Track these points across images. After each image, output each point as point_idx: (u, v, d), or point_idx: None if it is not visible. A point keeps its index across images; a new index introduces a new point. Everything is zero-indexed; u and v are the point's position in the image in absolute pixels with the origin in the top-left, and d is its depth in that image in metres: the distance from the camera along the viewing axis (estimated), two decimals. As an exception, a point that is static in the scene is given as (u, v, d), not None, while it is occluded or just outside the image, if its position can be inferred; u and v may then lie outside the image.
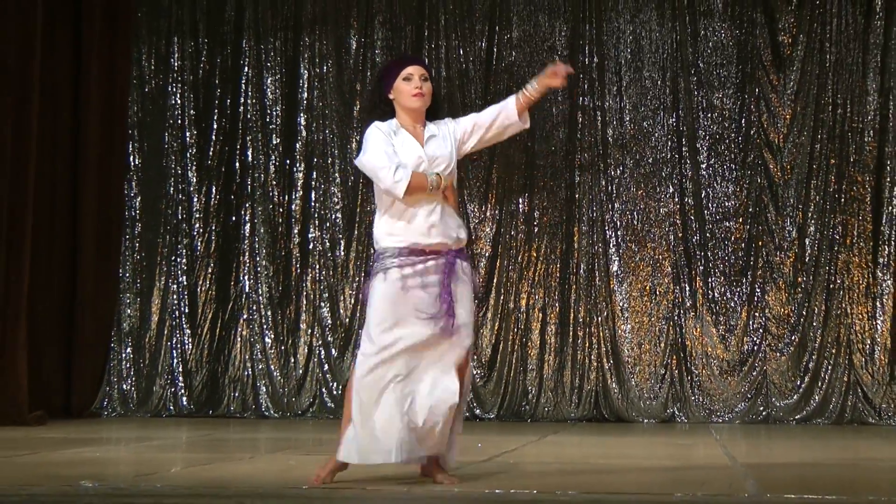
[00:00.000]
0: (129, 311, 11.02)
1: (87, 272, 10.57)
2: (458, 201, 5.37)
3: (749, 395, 10.49)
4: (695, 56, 10.78)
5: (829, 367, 10.41)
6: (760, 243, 10.65)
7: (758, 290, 10.60)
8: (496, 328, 10.77)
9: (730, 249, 10.67)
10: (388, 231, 5.18)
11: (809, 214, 10.63)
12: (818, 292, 10.53)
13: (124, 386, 10.92)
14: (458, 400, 5.11)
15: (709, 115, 10.76)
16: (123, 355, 10.96)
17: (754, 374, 10.52)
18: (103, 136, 10.71)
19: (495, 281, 10.82)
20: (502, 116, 5.33)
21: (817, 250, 10.58)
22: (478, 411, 10.62)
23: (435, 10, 11.05)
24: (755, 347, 10.56)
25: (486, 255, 10.87)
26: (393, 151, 5.15)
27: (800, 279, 10.58)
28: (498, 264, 10.84)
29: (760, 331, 10.57)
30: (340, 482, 5.12)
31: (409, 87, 5.23)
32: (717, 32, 10.80)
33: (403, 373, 5.07)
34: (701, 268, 10.65)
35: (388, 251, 5.15)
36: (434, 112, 5.36)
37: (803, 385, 10.45)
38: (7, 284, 9.42)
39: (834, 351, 10.43)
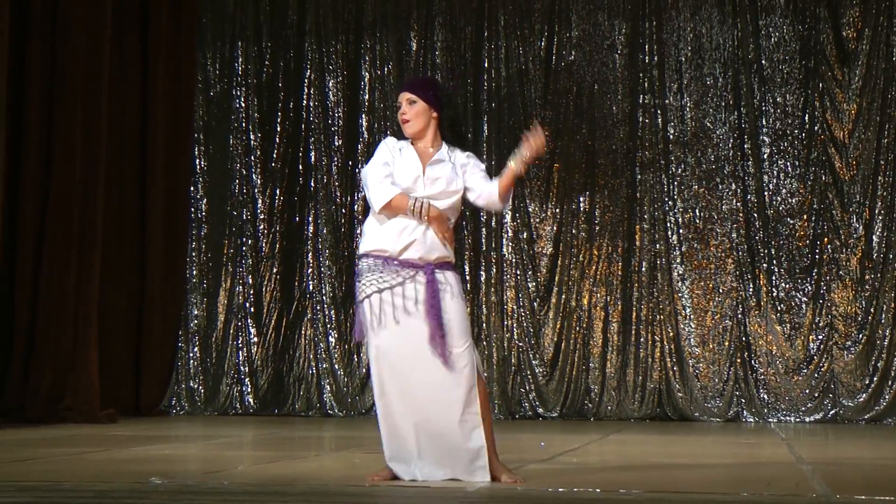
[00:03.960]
0: (196, 310, 11.15)
1: (155, 273, 10.70)
2: (451, 236, 5.25)
3: (816, 395, 10.40)
4: (756, 53, 10.72)
5: (899, 366, 10.31)
6: (826, 241, 10.56)
7: (823, 288, 10.51)
8: (558, 327, 10.77)
9: (794, 247, 10.59)
10: (369, 236, 5.24)
11: (876, 211, 10.53)
12: (886, 290, 10.42)
13: (192, 384, 11.05)
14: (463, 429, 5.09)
15: (771, 111, 10.69)
16: (191, 354, 11.09)
17: (821, 372, 10.43)
18: (170, 140, 10.84)
19: (557, 279, 10.82)
20: (487, 195, 5.24)
21: (885, 247, 10.48)
22: (540, 410, 10.63)
23: (494, 11, 11.08)
24: (821, 346, 10.47)
25: (548, 253, 10.88)
26: (390, 165, 5.20)
27: (867, 276, 10.48)
28: (559, 263, 10.85)
29: (827, 329, 10.48)
30: (401, 481, 5.16)
31: (399, 114, 5.33)
32: (779, 28, 10.73)
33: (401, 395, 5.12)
34: (765, 266, 10.59)
35: (367, 260, 5.19)
36: (453, 132, 5.32)
37: (872, 384, 10.35)
38: (78, 285, 9.56)
39: (903, 349, 10.33)
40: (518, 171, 5.15)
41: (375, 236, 5.21)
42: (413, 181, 5.19)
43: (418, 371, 5.11)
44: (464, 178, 5.27)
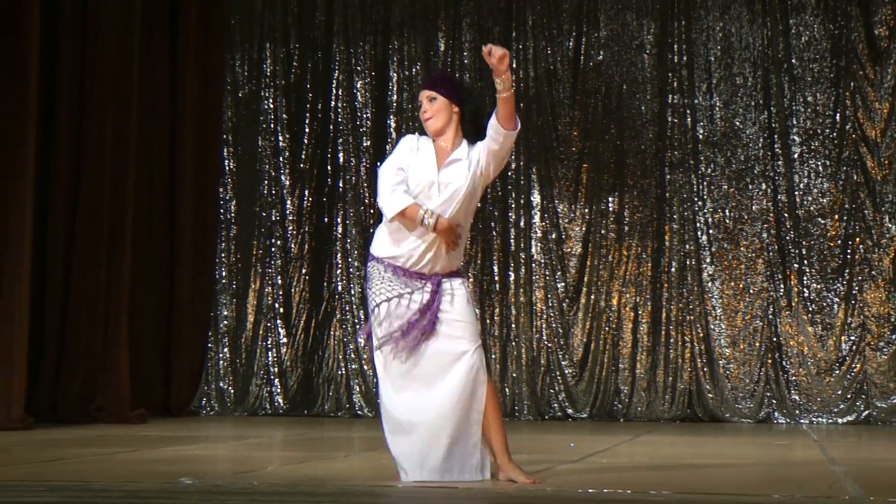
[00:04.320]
0: (225, 311, 11.18)
1: (185, 274, 10.75)
2: (465, 236, 5.29)
3: (848, 396, 10.34)
4: (787, 52, 10.66)
5: (934, 367, 10.25)
6: (857, 241, 10.50)
7: (855, 289, 10.44)
8: (587, 327, 10.74)
9: (825, 247, 10.53)
10: (382, 242, 5.26)
11: (909, 211, 10.48)
12: (920, 290, 10.37)
13: (221, 385, 11.09)
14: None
15: (802, 111, 10.63)
16: (220, 355, 11.13)
17: (853, 373, 10.36)
18: (199, 141, 10.88)
19: (586, 280, 10.80)
20: (493, 129, 5.20)
21: (919, 247, 10.43)
22: (570, 411, 10.61)
23: (522, 11, 11.06)
24: (854, 347, 10.40)
25: (577, 254, 10.86)
26: (405, 171, 5.19)
27: (900, 276, 10.43)
28: (588, 263, 10.82)
29: (859, 330, 10.41)
30: (431, 481, 5.16)
31: (420, 112, 5.30)
32: (809, 27, 10.67)
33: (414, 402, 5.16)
34: (795, 266, 10.53)
35: (378, 265, 5.22)
36: (475, 126, 5.29)
37: (905, 385, 10.29)
38: (108, 286, 9.61)
39: (937, 350, 10.26)
40: (502, 89, 5.10)
41: (389, 244, 5.23)
42: (428, 186, 5.19)
43: (424, 375, 5.14)
44: (479, 156, 5.22)
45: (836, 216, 10.54)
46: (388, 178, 5.21)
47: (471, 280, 10.58)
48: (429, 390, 5.14)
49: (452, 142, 5.28)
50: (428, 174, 5.21)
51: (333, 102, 11.29)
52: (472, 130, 5.30)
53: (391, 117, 11.20)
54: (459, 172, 5.21)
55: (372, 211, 11.13)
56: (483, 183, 5.28)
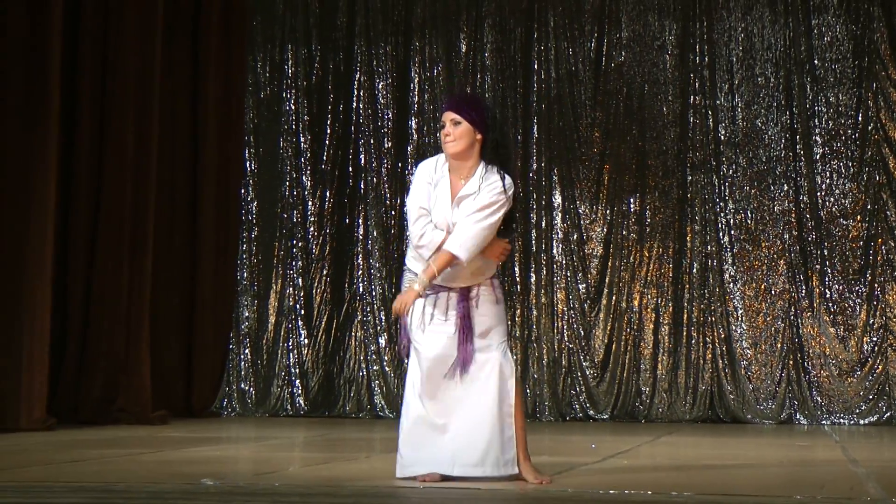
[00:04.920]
0: (246, 312, 11.21)
1: (206, 275, 10.77)
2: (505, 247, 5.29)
3: (870, 397, 10.30)
4: (809, 52, 10.63)
5: (955, 368, 10.19)
6: (880, 241, 10.46)
7: (877, 289, 10.40)
8: (608, 328, 10.73)
9: (847, 248, 10.49)
10: (413, 256, 5.32)
11: (932, 211, 10.43)
12: (942, 291, 10.32)
13: (243, 386, 11.11)
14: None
15: (824, 111, 10.60)
16: (242, 356, 11.15)
17: (875, 374, 10.32)
18: (221, 143, 10.91)
19: (607, 281, 10.79)
20: (436, 237, 5.19)
21: (941, 248, 10.38)
22: (591, 412, 10.60)
23: (544, 12, 11.06)
24: (876, 348, 10.36)
25: (598, 255, 10.85)
26: (428, 210, 5.18)
27: (923, 278, 10.38)
28: (610, 264, 10.81)
29: (881, 331, 10.37)
30: (451, 482, 5.17)
31: (442, 133, 5.22)
32: (831, 27, 10.63)
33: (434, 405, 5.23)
34: (817, 267, 10.49)
35: (409, 274, 5.30)
36: (496, 154, 5.21)
37: (928, 387, 10.25)
38: (130, 286, 9.64)
39: (958, 351, 10.21)
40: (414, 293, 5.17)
41: (416, 259, 5.29)
42: (443, 218, 5.19)
43: (451, 372, 5.20)
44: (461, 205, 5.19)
45: (858, 217, 10.50)
46: (413, 215, 5.23)
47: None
48: (461, 390, 5.19)
49: (469, 170, 5.22)
50: (444, 213, 5.21)
51: (355, 103, 11.31)
52: (493, 157, 5.22)
53: (412, 118, 11.21)
54: (466, 209, 5.19)
55: (393, 212, 11.15)
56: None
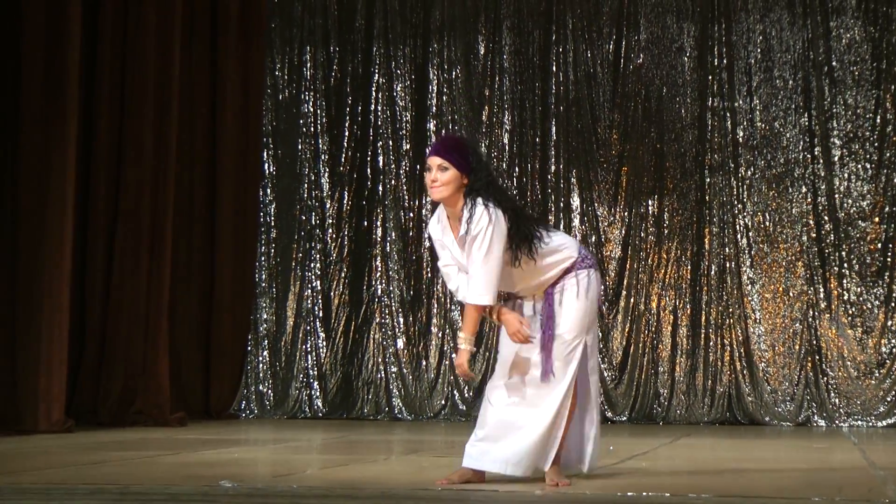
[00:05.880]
0: (265, 315, 11.23)
1: (224, 277, 10.80)
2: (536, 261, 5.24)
3: (889, 399, 10.27)
4: (827, 54, 10.60)
5: (974, 370, 10.15)
6: (898, 243, 10.43)
7: (896, 291, 10.38)
8: (626, 330, 10.72)
9: (865, 250, 10.46)
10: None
11: (950, 214, 10.39)
12: (960, 293, 10.28)
13: (261, 388, 11.13)
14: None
15: (842, 113, 10.57)
16: (260, 358, 11.18)
17: (894, 376, 10.29)
18: (239, 145, 10.94)
19: (625, 283, 10.78)
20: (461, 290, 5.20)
21: (960, 249, 10.34)
22: (609, 414, 10.59)
23: (562, 14, 11.05)
24: (894, 349, 10.33)
25: (616, 257, 10.84)
26: (449, 258, 5.21)
27: (942, 280, 10.34)
28: (628, 266, 10.80)
29: (900, 333, 10.35)
30: (470, 485, 5.17)
31: (427, 178, 5.16)
32: (850, 30, 10.60)
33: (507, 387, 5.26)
34: (836, 269, 10.47)
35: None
36: (481, 192, 5.13)
37: (947, 389, 10.21)
38: (149, 289, 9.67)
39: (978, 353, 10.16)
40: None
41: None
42: (465, 270, 5.20)
43: (523, 365, 5.23)
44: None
45: (877, 219, 10.48)
46: (447, 279, 5.28)
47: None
48: (542, 388, 5.22)
49: (461, 212, 5.14)
50: (459, 260, 5.20)
51: (373, 106, 11.32)
52: (477, 196, 5.14)
53: (431, 120, 11.22)
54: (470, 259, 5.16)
55: (411, 214, 11.16)
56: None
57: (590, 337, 5.34)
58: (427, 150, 5.43)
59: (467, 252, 5.12)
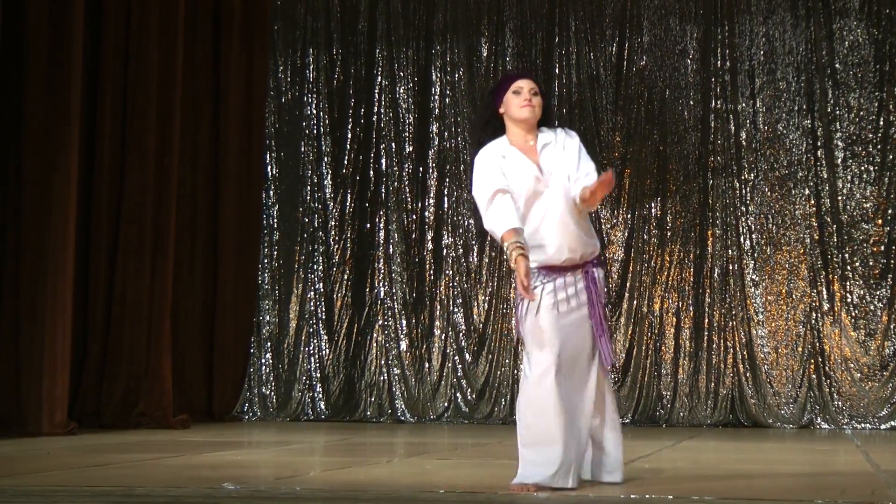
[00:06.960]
0: (268, 317, 11.24)
1: (227, 279, 10.81)
2: (587, 211, 5.23)
3: (892, 401, 10.26)
4: (830, 56, 10.60)
5: (976, 372, 10.15)
6: (901, 245, 10.42)
7: (899, 294, 10.37)
8: (629, 332, 10.72)
9: (868, 252, 10.46)
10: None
11: (953, 216, 10.39)
12: (963, 295, 10.28)
13: (264, 390, 11.14)
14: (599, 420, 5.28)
15: (845, 116, 10.57)
16: (263, 361, 11.18)
17: (897, 378, 10.29)
18: (242, 147, 10.95)
19: (628, 285, 10.78)
20: (575, 186, 5.16)
21: (962, 252, 10.33)
22: (612, 416, 10.57)
23: (565, 17, 11.06)
24: (897, 352, 10.34)
25: (619, 259, 10.84)
26: (501, 176, 5.10)
27: (944, 282, 10.34)
28: (631, 268, 10.80)
29: (903, 335, 10.35)
30: (476, 488, 5.16)
31: (519, 98, 5.20)
32: (853, 32, 10.60)
33: (563, 391, 5.12)
34: (839, 271, 10.47)
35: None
36: (545, 115, 5.29)
37: (950, 391, 10.20)
38: (151, 291, 9.68)
39: (980, 355, 10.16)
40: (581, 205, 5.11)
41: (536, 253, 5.14)
42: (534, 182, 5.12)
43: (577, 377, 5.21)
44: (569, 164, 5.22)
45: (880, 221, 10.47)
46: (482, 197, 5.09)
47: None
48: (581, 391, 5.20)
49: (531, 132, 5.23)
50: (529, 171, 5.13)
51: (376, 108, 11.33)
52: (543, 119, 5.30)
53: (434, 122, 11.23)
54: (558, 156, 5.18)
55: (414, 216, 11.17)
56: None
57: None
58: (507, 76, 5.43)
59: (568, 153, 5.17)
